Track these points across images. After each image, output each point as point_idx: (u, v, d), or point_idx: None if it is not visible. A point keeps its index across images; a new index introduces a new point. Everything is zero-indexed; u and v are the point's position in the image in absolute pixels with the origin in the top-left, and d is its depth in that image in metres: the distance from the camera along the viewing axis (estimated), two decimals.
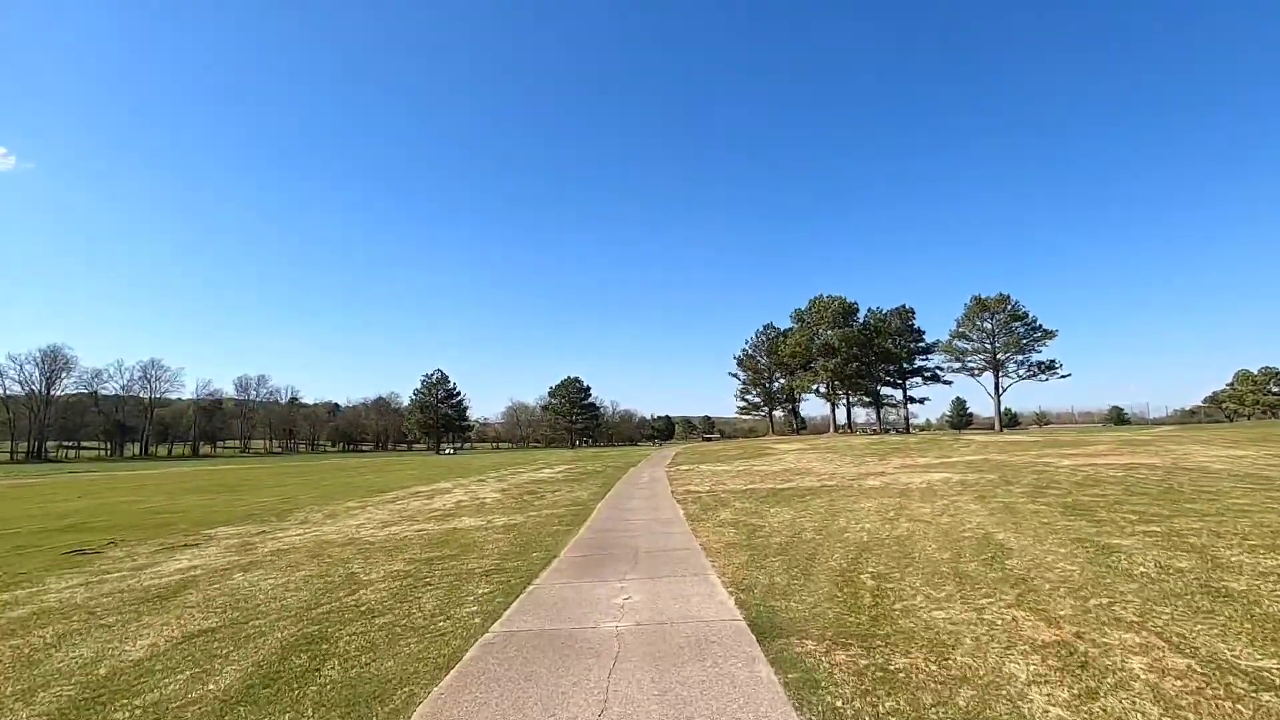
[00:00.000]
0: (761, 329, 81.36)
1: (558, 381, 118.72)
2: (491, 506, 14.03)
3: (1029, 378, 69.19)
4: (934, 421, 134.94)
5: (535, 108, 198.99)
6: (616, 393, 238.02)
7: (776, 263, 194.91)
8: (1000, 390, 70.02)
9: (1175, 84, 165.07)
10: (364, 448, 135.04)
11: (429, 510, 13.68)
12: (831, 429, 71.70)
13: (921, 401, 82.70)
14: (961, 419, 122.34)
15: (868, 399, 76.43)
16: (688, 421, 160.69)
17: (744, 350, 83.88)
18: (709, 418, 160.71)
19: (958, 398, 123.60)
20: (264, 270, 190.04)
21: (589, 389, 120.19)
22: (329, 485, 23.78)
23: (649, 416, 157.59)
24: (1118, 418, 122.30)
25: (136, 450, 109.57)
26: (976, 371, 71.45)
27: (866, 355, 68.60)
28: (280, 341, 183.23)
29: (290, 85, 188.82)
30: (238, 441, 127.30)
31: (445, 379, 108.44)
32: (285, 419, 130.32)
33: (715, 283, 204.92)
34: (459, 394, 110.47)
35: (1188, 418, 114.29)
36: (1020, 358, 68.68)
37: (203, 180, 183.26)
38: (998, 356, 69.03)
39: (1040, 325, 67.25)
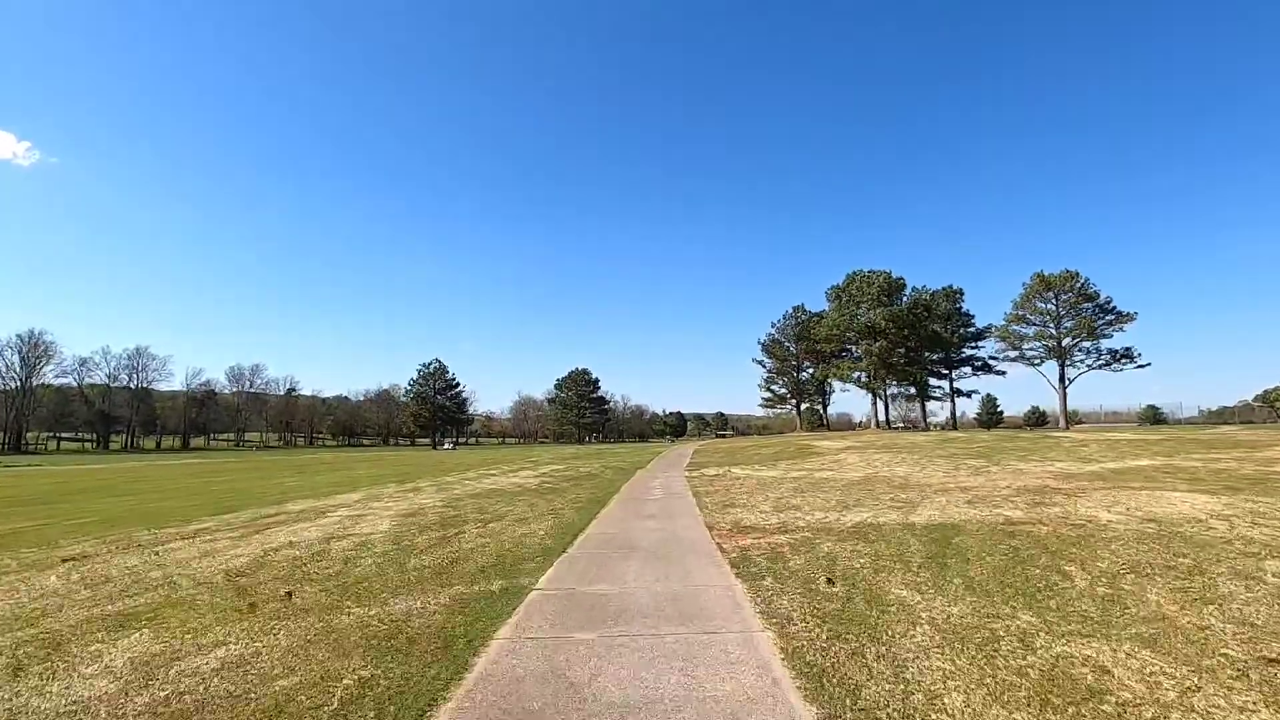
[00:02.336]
0: (791, 310, 71.97)
1: (565, 373, 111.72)
2: (325, 573, 6.38)
3: (1100, 367, 59.98)
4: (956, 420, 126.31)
5: (539, 100, 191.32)
6: (628, 389, 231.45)
7: (781, 262, 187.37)
8: (1066, 381, 60.98)
9: (1211, 74, 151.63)
10: (365, 441, 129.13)
11: (168, 580, 6.05)
12: (873, 424, 63.18)
13: (969, 395, 73.80)
14: (992, 417, 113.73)
15: (913, 390, 67.53)
16: (700, 418, 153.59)
17: (770, 335, 74.83)
18: (722, 414, 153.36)
19: (988, 394, 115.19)
20: (265, 262, 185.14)
21: (598, 382, 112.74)
22: (212, 493, 16.43)
23: (661, 412, 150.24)
24: (1153, 417, 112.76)
25: (123, 442, 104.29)
26: (1036, 360, 62.45)
27: (913, 339, 59.75)
28: (281, 334, 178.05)
29: (294, 79, 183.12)
30: (232, 434, 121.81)
31: (444, 369, 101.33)
32: (282, 411, 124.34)
33: (725, 280, 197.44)
34: (458, 385, 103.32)
35: (1214, 418, 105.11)
36: (1089, 344, 59.58)
37: (206, 174, 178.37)
38: (1063, 343, 59.97)
39: (1114, 307, 58.05)
